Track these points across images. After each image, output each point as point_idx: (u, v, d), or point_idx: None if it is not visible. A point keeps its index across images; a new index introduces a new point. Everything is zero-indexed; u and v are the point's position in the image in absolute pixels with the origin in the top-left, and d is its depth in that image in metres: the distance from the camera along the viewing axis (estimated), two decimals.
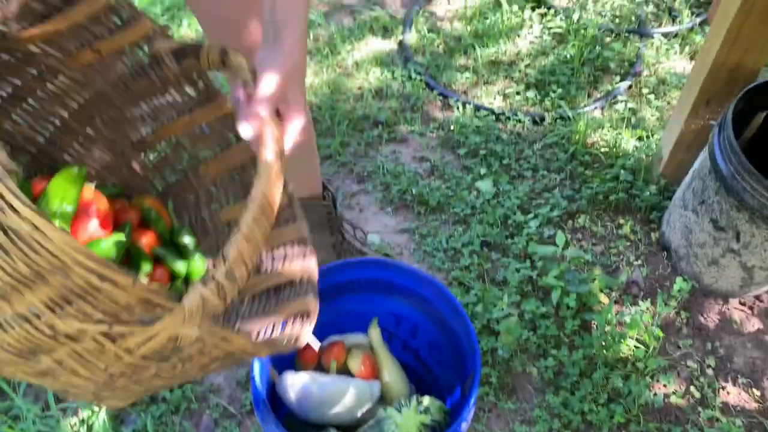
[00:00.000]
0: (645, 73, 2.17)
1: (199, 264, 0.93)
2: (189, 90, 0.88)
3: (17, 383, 1.46)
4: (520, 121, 2.03)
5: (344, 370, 1.16)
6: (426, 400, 1.01)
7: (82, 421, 1.41)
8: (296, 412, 1.06)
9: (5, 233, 0.50)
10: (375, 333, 1.18)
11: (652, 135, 1.96)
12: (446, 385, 1.16)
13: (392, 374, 1.15)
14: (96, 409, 1.42)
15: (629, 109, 2.04)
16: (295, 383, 1.05)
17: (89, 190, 0.82)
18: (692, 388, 1.47)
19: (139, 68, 0.85)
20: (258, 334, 0.82)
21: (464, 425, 0.95)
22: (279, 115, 0.75)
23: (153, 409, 1.43)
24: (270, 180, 0.64)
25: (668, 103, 2.07)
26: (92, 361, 0.63)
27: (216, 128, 0.92)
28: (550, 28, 2.32)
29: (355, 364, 1.14)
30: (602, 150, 1.92)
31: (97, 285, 0.54)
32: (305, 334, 0.78)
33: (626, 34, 2.29)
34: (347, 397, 1.06)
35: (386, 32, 2.36)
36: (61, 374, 0.65)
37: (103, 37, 0.81)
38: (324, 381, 1.07)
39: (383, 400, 1.14)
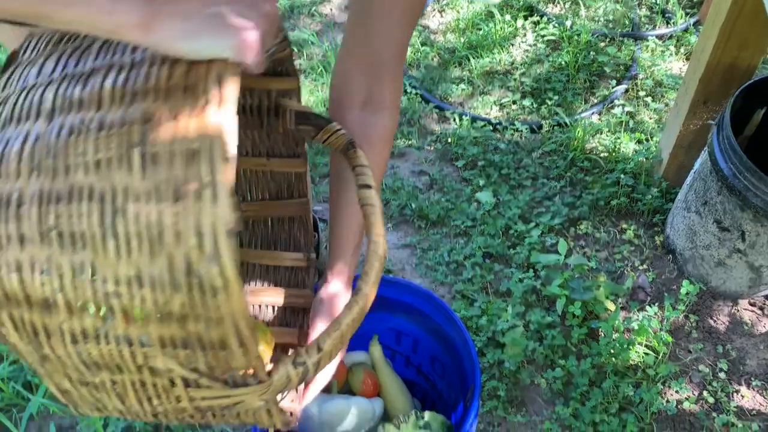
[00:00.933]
0: (641, 76, 2.16)
1: None
2: (284, 142, 0.88)
3: (18, 417, 1.44)
4: (517, 130, 2.01)
5: (346, 390, 1.13)
6: (427, 415, 0.99)
7: None
8: None
9: (187, 274, 0.49)
10: (376, 350, 1.15)
11: (651, 138, 1.94)
12: (450, 399, 1.13)
13: (394, 391, 1.12)
14: None
15: (627, 112, 2.03)
16: None
17: None
18: (705, 393, 1.44)
19: (258, 105, 0.83)
20: None
21: None
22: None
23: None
24: (375, 287, 0.65)
25: (666, 105, 2.06)
26: (149, 394, 0.62)
27: (278, 179, 0.92)
28: (544, 35, 2.31)
29: (357, 382, 1.11)
30: (601, 155, 1.90)
31: (231, 347, 0.54)
32: (297, 411, 0.78)
33: (620, 38, 2.28)
34: (349, 416, 1.03)
35: None
36: (101, 393, 0.63)
37: (251, 76, 0.81)
38: (325, 401, 1.04)
39: (386, 417, 1.12)
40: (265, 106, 0.83)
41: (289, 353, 0.85)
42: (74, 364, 0.59)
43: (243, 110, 0.85)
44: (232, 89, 0.51)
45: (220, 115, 0.49)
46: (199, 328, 0.53)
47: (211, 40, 0.52)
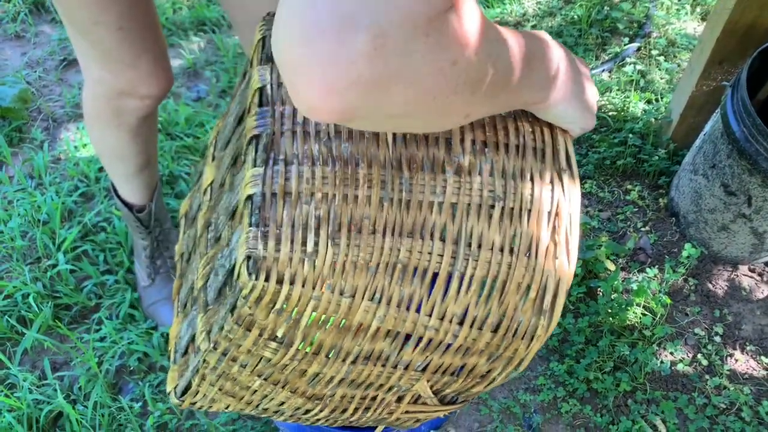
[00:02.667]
0: (654, 34, 2.10)
1: None
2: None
3: (12, 351, 1.44)
4: None
5: None
6: None
7: (80, 389, 1.39)
8: None
9: (510, 319, 0.53)
10: None
11: (662, 98, 1.90)
12: None
13: None
14: (93, 377, 1.40)
15: (638, 71, 1.98)
16: None
17: None
18: (699, 355, 1.44)
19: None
20: None
21: None
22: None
23: (151, 378, 1.41)
24: None
25: (678, 65, 2.01)
26: (368, 407, 0.66)
27: None
28: None
29: None
30: (610, 114, 1.87)
31: (495, 377, 0.59)
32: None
33: None
34: None
35: None
36: (315, 403, 0.66)
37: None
38: None
39: None
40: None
41: None
42: (326, 380, 0.61)
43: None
44: (574, 158, 0.56)
45: (573, 184, 0.54)
46: (480, 361, 0.57)
47: (578, 111, 0.55)
